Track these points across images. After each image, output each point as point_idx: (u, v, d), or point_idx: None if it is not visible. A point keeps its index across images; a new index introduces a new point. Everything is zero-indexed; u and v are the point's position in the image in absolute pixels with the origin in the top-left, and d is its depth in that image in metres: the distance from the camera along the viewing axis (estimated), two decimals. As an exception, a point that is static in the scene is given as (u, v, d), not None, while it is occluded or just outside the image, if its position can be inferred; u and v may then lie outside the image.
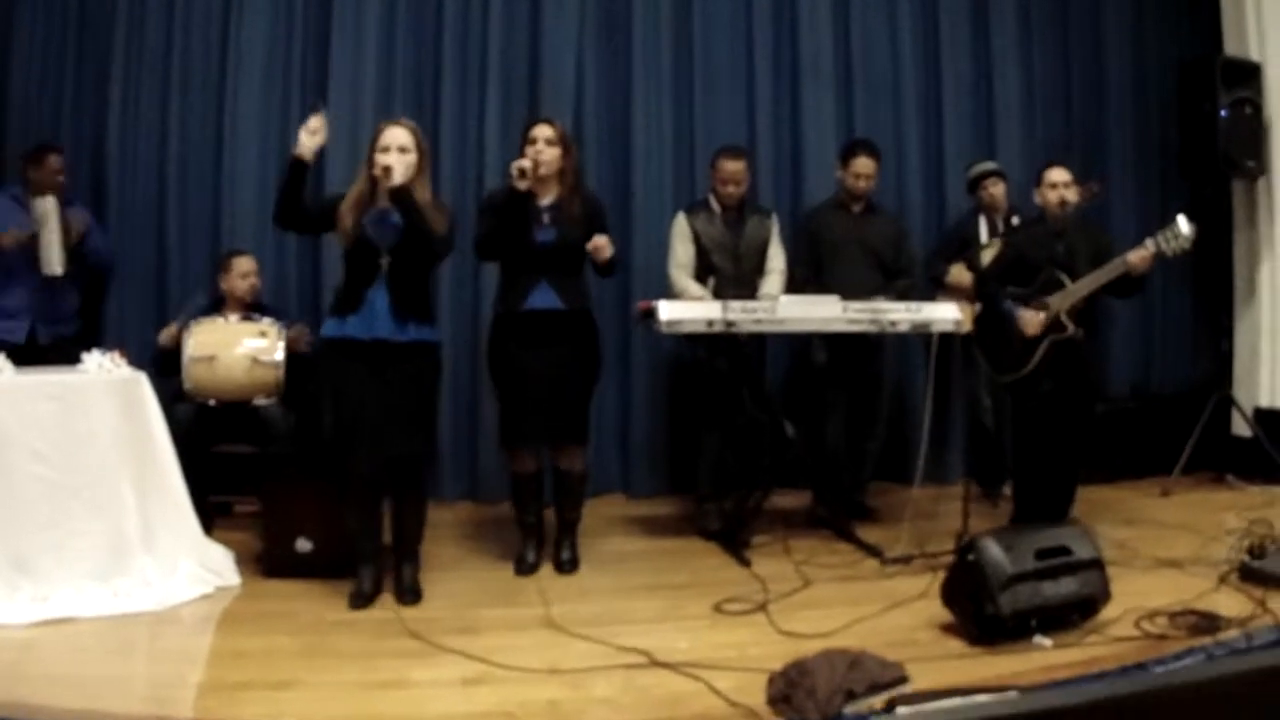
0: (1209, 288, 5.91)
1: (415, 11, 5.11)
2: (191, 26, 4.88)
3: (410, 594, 3.43)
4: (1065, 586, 3.05)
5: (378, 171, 3.32)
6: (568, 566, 3.84)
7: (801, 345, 4.85)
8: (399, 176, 3.30)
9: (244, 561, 3.72)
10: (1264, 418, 5.47)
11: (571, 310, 3.77)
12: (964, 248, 5.04)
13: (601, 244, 3.69)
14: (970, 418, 5.25)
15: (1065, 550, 3.08)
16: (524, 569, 3.81)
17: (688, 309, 3.90)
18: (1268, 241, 5.54)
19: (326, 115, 3.37)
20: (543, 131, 3.74)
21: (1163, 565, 3.78)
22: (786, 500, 4.87)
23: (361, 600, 3.36)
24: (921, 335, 4.31)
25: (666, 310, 3.82)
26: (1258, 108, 5.33)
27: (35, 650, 2.90)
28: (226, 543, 3.79)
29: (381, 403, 3.34)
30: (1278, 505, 4.79)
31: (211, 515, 4.10)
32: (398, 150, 3.33)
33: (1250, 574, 3.47)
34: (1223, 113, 5.21)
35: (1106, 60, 5.90)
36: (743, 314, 3.89)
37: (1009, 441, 4.74)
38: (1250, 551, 3.57)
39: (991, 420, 5.06)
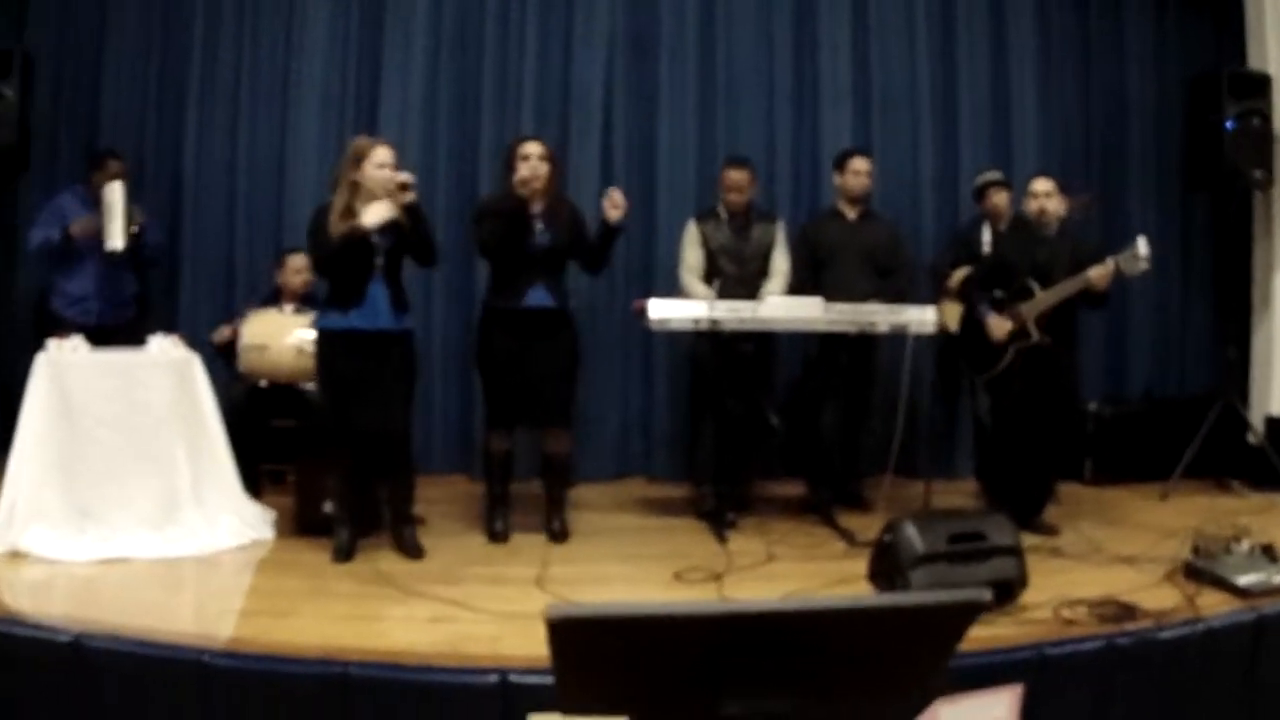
0: (1230, 297, 5.98)
1: (458, 38, 5.61)
2: (259, 55, 5.53)
3: (414, 550, 3.89)
4: (979, 570, 3.25)
5: (394, 187, 3.72)
6: (560, 536, 4.25)
7: (807, 343, 5.16)
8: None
9: (285, 520, 4.25)
10: (1276, 426, 5.52)
11: (560, 308, 4.21)
12: (968, 253, 5.27)
13: (616, 197, 4.07)
14: (972, 417, 5.48)
15: (980, 536, 3.31)
16: (495, 536, 4.22)
17: (675, 308, 4.30)
18: (1280, 252, 5.62)
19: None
20: (535, 149, 4.15)
21: (1118, 561, 3.91)
22: (789, 489, 5.21)
23: (343, 555, 3.80)
24: (930, 336, 4.53)
25: (655, 309, 4.24)
26: (1266, 119, 5.39)
27: (98, 583, 3.49)
28: (274, 505, 4.34)
29: (378, 385, 3.82)
30: (1275, 511, 4.82)
31: (261, 481, 4.67)
32: (392, 168, 3.80)
33: (1192, 572, 3.60)
34: (1229, 124, 5.31)
35: (1127, 75, 5.99)
36: (728, 313, 4.28)
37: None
38: (1195, 550, 3.68)
39: (989, 419, 5.29)
